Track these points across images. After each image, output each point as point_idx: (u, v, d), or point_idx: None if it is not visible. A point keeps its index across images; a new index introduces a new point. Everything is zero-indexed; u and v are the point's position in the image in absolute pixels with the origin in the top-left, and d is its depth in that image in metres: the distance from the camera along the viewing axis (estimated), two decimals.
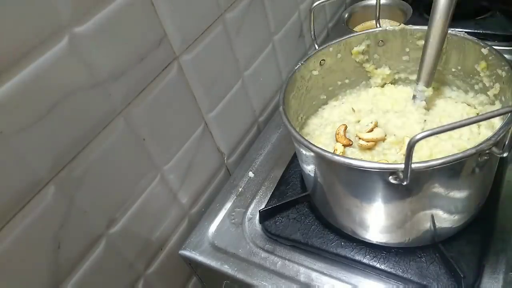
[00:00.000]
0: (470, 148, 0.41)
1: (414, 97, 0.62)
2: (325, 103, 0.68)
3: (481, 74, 0.56)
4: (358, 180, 0.48)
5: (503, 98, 0.53)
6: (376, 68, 0.66)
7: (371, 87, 0.68)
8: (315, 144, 0.48)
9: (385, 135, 0.56)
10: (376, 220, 0.52)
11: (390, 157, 0.53)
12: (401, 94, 0.65)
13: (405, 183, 0.41)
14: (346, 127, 0.58)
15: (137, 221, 0.58)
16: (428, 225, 0.51)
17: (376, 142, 0.55)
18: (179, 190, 0.65)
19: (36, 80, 0.41)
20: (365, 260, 0.55)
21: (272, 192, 0.67)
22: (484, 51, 0.54)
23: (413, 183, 0.42)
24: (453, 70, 0.61)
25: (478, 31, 0.83)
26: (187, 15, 0.58)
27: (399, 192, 0.46)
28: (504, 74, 0.51)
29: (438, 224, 0.51)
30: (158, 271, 0.64)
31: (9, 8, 0.38)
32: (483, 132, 0.54)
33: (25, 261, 0.44)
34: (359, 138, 0.56)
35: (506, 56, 0.52)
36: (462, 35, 0.56)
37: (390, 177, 0.43)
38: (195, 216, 0.70)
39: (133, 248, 0.59)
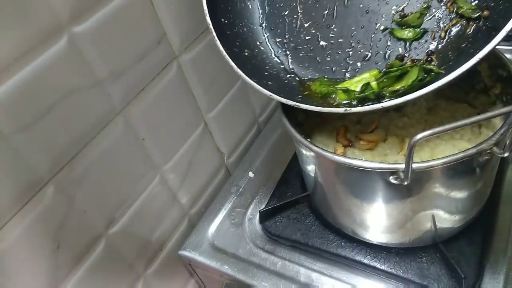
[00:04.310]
0: (471, 148, 0.41)
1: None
2: None
3: (482, 74, 0.56)
4: (359, 180, 0.48)
5: (504, 98, 0.53)
6: None
7: None
8: (315, 144, 0.48)
9: (386, 136, 0.56)
10: (376, 220, 0.52)
11: (391, 157, 0.53)
12: None
13: (405, 183, 0.41)
14: (346, 128, 0.58)
15: (137, 221, 0.58)
16: (428, 225, 0.50)
17: (376, 142, 0.55)
18: (179, 190, 0.65)
19: (35, 80, 0.41)
20: (365, 261, 0.55)
21: (272, 192, 0.67)
22: None
23: (413, 183, 0.42)
24: None
25: None
26: (187, 15, 0.58)
27: (399, 192, 0.46)
28: (505, 74, 0.51)
29: (438, 224, 0.50)
30: (158, 271, 0.64)
31: (8, 8, 0.38)
32: (484, 132, 0.53)
33: (25, 261, 0.44)
34: (360, 139, 0.56)
35: (506, 56, 0.52)
36: None
37: (391, 177, 0.43)
38: (195, 216, 0.70)
39: (133, 248, 0.59)
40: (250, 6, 0.54)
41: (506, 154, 0.42)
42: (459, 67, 0.37)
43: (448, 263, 0.51)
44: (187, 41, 0.60)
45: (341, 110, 0.43)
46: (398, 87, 0.45)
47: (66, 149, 0.46)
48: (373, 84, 0.47)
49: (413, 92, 0.39)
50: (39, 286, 0.46)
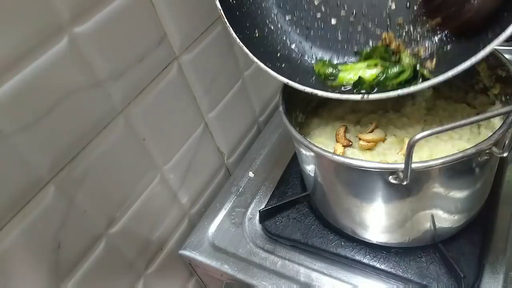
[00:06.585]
0: (470, 148, 0.41)
1: (414, 97, 0.62)
2: (325, 103, 0.68)
3: (481, 74, 0.56)
4: (358, 180, 0.48)
5: (503, 98, 0.53)
6: None
7: None
8: (315, 144, 0.48)
9: (385, 136, 0.56)
10: (376, 220, 0.52)
11: (390, 157, 0.53)
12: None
13: (405, 183, 0.41)
14: (346, 128, 0.58)
15: (137, 221, 0.58)
16: (428, 225, 0.51)
17: (376, 142, 0.55)
18: (179, 190, 0.65)
19: (36, 80, 0.41)
20: (365, 260, 0.55)
21: (272, 192, 0.67)
22: None
23: (413, 183, 0.42)
24: None
25: None
26: (187, 15, 0.58)
27: (399, 192, 0.47)
28: (504, 74, 0.51)
29: (438, 224, 0.51)
30: (158, 271, 0.64)
31: (8, 8, 0.38)
32: (483, 132, 0.54)
33: (25, 261, 0.44)
34: (359, 139, 0.56)
35: (506, 56, 0.52)
36: None
37: (390, 177, 0.43)
38: (195, 216, 0.70)
39: (133, 248, 0.59)
40: None
41: (505, 154, 0.42)
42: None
43: (448, 263, 0.51)
44: (188, 41, 0.60)
45: (358, 97, 0.43)
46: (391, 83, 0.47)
47: (67, 149, 0.46)
48: (368, 76, 0.47)
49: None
50: (39, 286, 0.47)
